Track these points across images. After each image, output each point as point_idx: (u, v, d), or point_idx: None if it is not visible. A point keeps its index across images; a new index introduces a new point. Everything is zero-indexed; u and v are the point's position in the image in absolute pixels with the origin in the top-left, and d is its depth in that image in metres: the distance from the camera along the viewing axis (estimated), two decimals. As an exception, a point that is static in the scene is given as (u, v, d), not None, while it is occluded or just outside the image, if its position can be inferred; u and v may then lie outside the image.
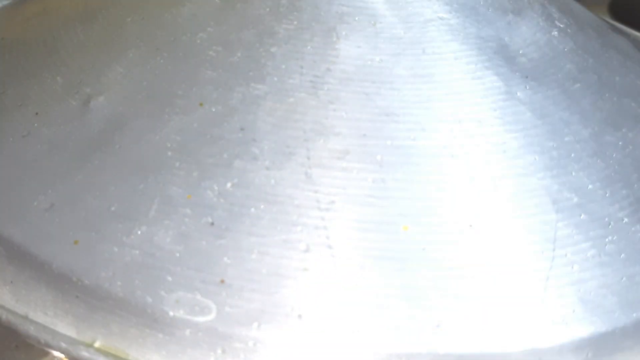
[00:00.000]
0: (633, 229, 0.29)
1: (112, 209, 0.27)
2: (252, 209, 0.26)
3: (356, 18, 0.31)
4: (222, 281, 0.25)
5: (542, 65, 0.32)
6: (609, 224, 0.29)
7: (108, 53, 0.31)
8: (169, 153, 0.27)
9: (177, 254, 0.26)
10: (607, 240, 0.29)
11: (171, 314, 0.25)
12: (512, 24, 0.33)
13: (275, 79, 0.29)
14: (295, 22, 0.30)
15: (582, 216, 0.29)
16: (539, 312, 0.26)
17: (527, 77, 0.31)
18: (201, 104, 0.28)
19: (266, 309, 0.25)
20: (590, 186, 0.29)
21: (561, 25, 0.35)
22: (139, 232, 0.26)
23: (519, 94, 0.31)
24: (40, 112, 0.30)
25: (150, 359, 0.25)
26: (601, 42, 0.37)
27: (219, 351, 0.25)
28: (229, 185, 0.27)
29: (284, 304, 0.25)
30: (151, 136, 0.28)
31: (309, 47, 0.30)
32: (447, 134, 0.29)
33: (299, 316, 0.25)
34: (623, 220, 0.29)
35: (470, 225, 0.27)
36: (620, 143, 0.31)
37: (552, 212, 0.28)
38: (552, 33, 0.34)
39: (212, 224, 0.26)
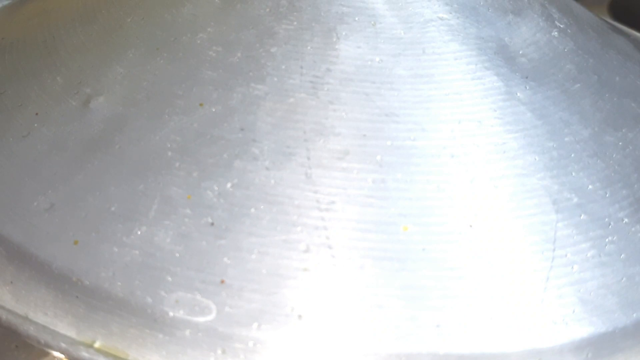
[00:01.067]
0: (633, 229, 0.29)
1: (112, 209, 0.27)
2: (252, 209, 0.26)
3: (356, 18, 0.31)
4: (222, 281, 0.25)
5: (542, 65, 0.32)
6: (609, 224, 0.29)
7: (108, 53, 0.31)
8: (169, 153, 0.27)
9: (177, 254, 0.26)
10: (607, 240, 0.29)
11: (171, 314, 0.25)
12: (512, 24, 0.33)
13: (275, 79, 0.29)
14: (295, 23, 0.30)
15: (582, 216, 0.29)
16: (539, 312, 0.26)
17: (527, 77, 0.31)
18: (201, 104, 0.28)
19: (266, 309, 0.25)
20: (590, 186, 0.29)
21: (561, 26, 0.35)
22: (139, 233, 0.26)
23: (519, 94, 0.31)
24: (40, 112, 0.30)
25: (150, 359, 0.25)
26: (601, 42, 0.37)
27: (219, 351, 0.25)
28: (229, 185, 0.27)
29: (284, 304, 0.25)
30: (151, 136, 0.28)
31: (309, 48, 0.30)
32: (447, 134, 0.29)
33: (299, 316, 0.25)
34: (623, 220, 0.29)
35: (470, 226, 0.27)
36: (620, 143, 0.31)
37: (552, 212, 0.28)
38: (552, 33, 0.34)
39: (212, 224, 0.26)
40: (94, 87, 0.30)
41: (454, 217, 0.27)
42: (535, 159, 0.29)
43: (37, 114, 0.30)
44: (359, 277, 0.26)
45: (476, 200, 0.27)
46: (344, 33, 0.30)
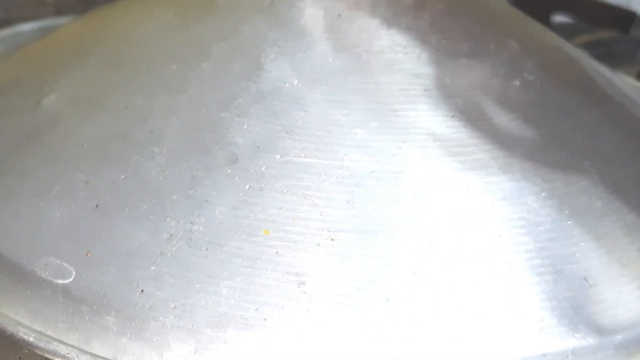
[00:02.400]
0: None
1: (25, 185, 0.30)
2: (134, 199, 0.29)
3: (289, 43, 0.33)
4: (88, 254, 0.28)
5: (479, 109, 0.32)
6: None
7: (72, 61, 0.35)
8: (85, 145, 0.31)
9: (60, 227, 0.29)
10: None
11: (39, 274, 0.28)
12: (462, 66, 0.34)
13: (196, 91, 0.32)
14: (231, 43, 0.33)
15: None
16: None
17: (453, 116, 0.32)
18: (126, 107, 0.32)
19: (115, 282, 0.27)
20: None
21: (530, 78, 0.35)
22: (40, 205, 0.30)
23: (436, 130, 0.31)
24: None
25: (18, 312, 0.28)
26: (588, 104, 0.36)
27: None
28: (122, 177, 0.30)
29: (131, 280, 0.27)
30: (77, 131, 0.32)
31: (235, 66, 0.32)
32: (339, 156, 0.30)
33: (142, 291, 0.27)
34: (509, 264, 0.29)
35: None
36: (544, 194, 0.31)
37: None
38: (513, 82, 0.34)
39: (97, 206, 0.29)
40: (51, 86, 0.34)
41: (314, 229, 0.28)
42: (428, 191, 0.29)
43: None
44: (205, 268, 0.27)
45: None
46: (272, 56, 0.32)
